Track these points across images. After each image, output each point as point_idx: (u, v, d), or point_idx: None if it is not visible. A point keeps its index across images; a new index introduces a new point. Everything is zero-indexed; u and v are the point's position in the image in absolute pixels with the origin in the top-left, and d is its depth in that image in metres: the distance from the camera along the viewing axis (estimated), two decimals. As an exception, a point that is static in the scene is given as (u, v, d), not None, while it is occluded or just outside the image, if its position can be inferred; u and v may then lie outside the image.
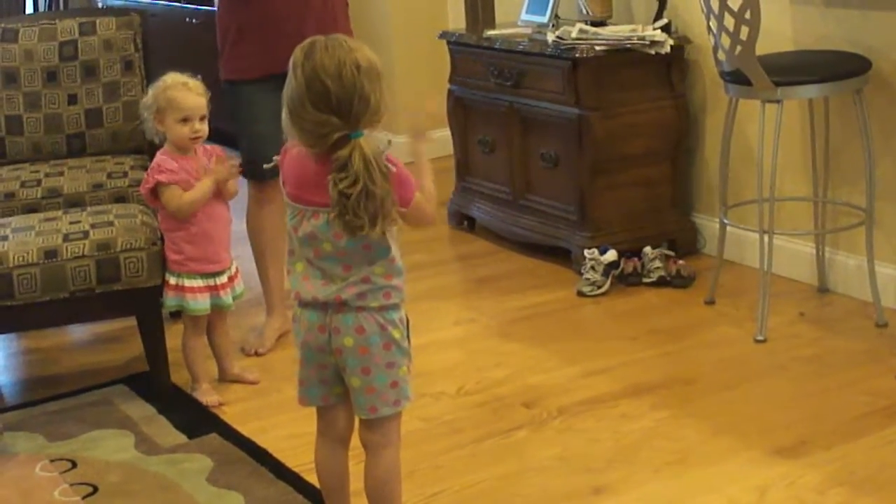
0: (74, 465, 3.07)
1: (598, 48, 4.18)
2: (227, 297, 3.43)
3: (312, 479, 2.75)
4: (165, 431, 3.24)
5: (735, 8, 3.48)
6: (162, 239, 3.42)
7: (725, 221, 3.90)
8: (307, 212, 2.33)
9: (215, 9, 3.82)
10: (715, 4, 3.56)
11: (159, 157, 3.37)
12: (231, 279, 3.46)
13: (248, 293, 3.64)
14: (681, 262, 4.21)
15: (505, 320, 3.97)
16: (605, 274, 4.12)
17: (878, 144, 3.72)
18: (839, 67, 3.60)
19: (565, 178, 4.36)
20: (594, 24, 4.39)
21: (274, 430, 3.20)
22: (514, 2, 4.97)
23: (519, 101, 4.53)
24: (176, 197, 3.32)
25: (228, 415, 3.34)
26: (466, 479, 2.90)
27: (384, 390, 2.39)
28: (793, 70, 3.62)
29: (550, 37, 4.29)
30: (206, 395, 3.43)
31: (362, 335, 2.35)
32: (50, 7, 7.72)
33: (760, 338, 3.63)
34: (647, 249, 4.21)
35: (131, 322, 3.55)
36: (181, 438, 3.20)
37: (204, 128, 3.37)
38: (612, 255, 4.13)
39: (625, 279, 4.17)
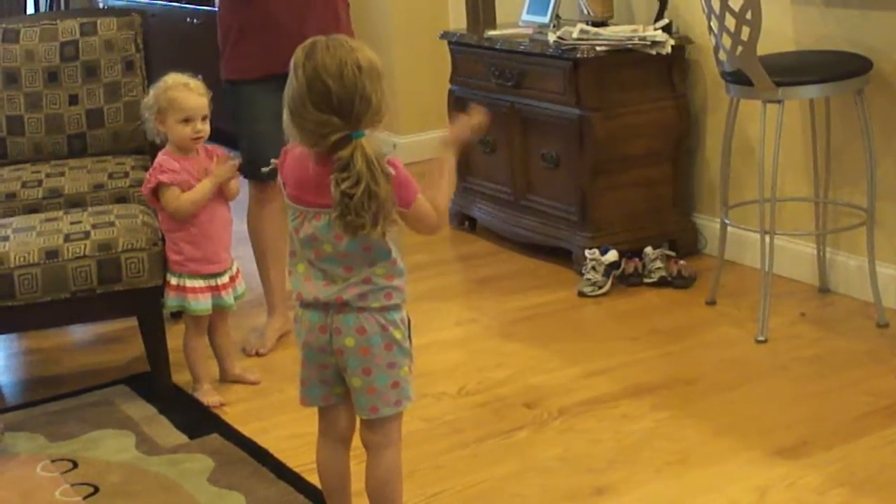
0: (75, 465, 3.07)
1: (599, 48, 4.18)
2: (228, 297, 3.43)
3: (314, 479, 2.74)
4: (166, 432, 3.24)
5: (736, 8, 3.48)
6: (163, 239, 3.42)
7: (726, 222, 3.90)
8: (308, 213, 2.33)
9: (216, 9, 3.83)
10: (716, 5, 3.56)
11: (161, 157, 3.37)
12: (232, 279, 3.45)
13: (248, 293, 3.64)
14: (682, 262, 4.21)
15: (506, 321, 3.97)
16: (606, 274, 4.12)
17: (879, 145, 3.72)
18: (840, 68, 3.60)
19: (566, 179, 4.36)
20: (595, 24, 4.39)
21: (275, 431, 3.20)
22: (515, 2, 4.97)
23: (520, 101, 4.53)
24: (175, 198, 3.32)
25: (229, 415, 3.34)
26: (467, 480, 2.90)
27: (385, 391, 2.39)
28: (794, 70, 3.61)
29: (551, 37, 4.29)
30: (208, 396, 3.42)
31: (363, 336, 2.35)
32: (51, 7, 7.72)
33: (761, 338, 3.63)
34: (648, 250, 4.21)
35: (132, 322, 3.55)
36: (182, 439, 3.19)
37: (205, 128, 3.37)
38: (612, 255, 4.13)
39: (626, 279, 4.17)
